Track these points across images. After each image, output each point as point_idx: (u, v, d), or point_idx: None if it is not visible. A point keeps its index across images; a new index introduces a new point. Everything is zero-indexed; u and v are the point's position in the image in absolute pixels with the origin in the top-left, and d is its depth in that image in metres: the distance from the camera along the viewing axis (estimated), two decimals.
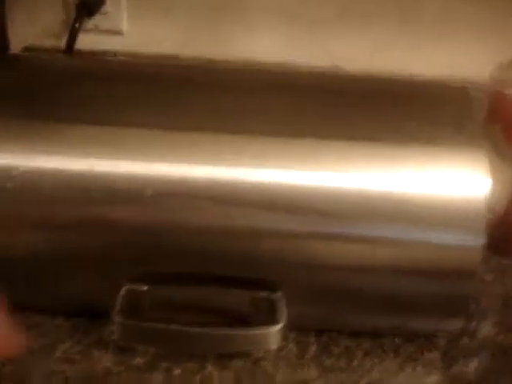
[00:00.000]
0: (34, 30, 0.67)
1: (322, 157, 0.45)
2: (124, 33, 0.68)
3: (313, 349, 0.49)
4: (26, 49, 0.66)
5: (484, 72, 0.67)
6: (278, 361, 0.48)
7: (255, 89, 0.51)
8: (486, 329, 0.52)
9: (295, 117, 0.48)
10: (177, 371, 0.46)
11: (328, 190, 0.44)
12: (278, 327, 0.44)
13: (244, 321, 0.48)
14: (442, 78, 0.66)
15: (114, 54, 0.67)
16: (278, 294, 0.46)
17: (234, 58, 0.69)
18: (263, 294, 0.46)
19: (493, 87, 0.59)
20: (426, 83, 0.55)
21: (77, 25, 0.64)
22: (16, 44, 0.66)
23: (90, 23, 0.67)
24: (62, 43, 0.64)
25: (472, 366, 0.49)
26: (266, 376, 0.47)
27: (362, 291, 0.47)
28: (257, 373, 0.47)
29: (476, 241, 0.44)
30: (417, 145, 0.46)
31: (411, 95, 0.52)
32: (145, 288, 0.46)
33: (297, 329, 0.50)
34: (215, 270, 0.45)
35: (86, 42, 0.66)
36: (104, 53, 0.67)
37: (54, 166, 0.44)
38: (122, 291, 0.45)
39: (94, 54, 0.66)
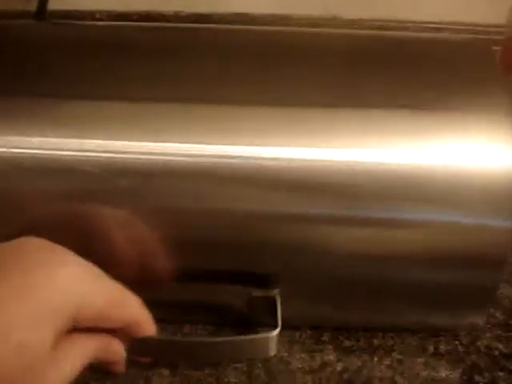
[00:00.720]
0: None
1: (334, 131, 0.38)
2: None
3: (329, 329, 0.46)
4: None
5: (494, 16, 0.62)
6: (293, 345, 0.45)
7: (252, 51, 0.44)
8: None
9: (300, 86, 0.41)
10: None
11: (341, 167, 0.37)
12: (275, 332, 0.39)
13: (239, 319, 0.44)
14: (452, 26, 0.62)
15: (92, 14, 0.61)
16: (275, 292, 0.41)
17: (221, 11, 0.64)
18: (258, 292, 0.41)
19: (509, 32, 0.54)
20: (442, 40, 0.48)
21: None
22: None
23: None
24: (33, 5, 0.58)
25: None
26: (282, 364, 0.43)
27: (376, 283, 0.41)
28: (271, 361, 0.43)
29: (505, 222, 0.38)
30: (439, 114, 0.39)
31: (428, 53, 0.44)
32: None
33: (296, 327, 0.45)
34: (206, 264, 0.40)
35: (59, 2, 0.60)
36: (81, 14, 0.61)
37: (39, 146, 0.38)
38: None
39: (69, 16, 0.60)
